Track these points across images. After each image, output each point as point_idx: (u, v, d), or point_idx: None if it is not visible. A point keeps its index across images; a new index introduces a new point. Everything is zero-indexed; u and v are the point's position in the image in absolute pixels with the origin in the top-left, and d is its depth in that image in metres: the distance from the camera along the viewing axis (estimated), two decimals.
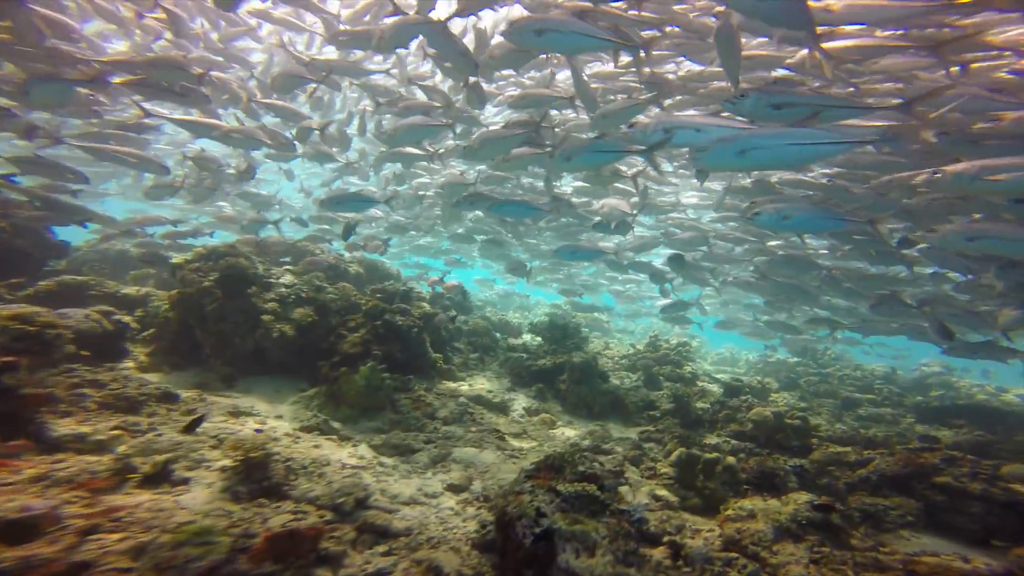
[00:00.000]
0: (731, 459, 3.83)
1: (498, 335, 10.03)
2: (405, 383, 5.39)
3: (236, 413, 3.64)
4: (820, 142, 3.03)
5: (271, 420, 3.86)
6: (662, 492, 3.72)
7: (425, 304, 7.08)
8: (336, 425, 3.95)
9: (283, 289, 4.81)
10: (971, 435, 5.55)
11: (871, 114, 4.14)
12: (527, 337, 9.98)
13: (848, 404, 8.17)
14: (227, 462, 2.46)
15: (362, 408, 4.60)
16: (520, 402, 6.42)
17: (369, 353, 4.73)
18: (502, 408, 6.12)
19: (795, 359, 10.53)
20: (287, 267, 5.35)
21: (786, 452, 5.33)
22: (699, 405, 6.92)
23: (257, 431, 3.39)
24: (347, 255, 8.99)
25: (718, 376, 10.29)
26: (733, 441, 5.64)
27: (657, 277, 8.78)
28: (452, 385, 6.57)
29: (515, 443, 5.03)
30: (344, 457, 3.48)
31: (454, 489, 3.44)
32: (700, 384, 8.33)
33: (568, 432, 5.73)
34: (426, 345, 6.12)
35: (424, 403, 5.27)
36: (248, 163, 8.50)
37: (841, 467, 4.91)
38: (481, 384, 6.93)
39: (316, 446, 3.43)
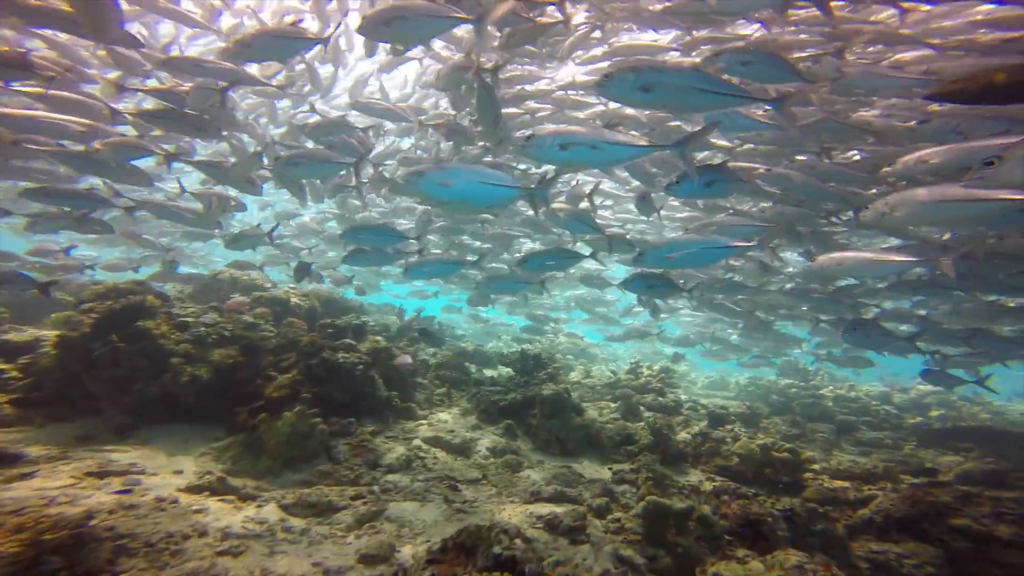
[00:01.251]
0: (706, 508, 3.25)
1: (472, 367, 9.44)
2: (345, 427, 4.79)
3: (102, 472, 3.02)
4: (497, 184, 3.27)
5: (160, 477, 3.24)
6: (627, 552, 3.12)
7: (379, 339, 6.54)
8: (238, 483, 3.33)
9: (202, 328, 4.27)
10: (982, 462, 5.01)
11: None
12: (504, 369, 9.39)
13: (844, 428, 7.61)
14: (9, 547, 1.86)
15: (287, 459, 3.99)
16: (485, 441, 5.79)
17: (298, 396, 4.16)
18: (462, 450, 5.48)
19: (785, 380, 10.02)
20: (212, 304, 4.83)
21: (776, 489, 4.75)
22: (681, 437, 6.33)
23: (123, 492, 2.78)
24: (299, 288, 8.45)
25: (706, 402, 9.71)
26: (717, 478, 5.05)
27: (648, 301, 8.26)
28: (410, 425, 5.95)
29: (469, 493, 4.39)
30: (236, 523, 2.86)
31: (369, 560, 2.82)
32: (685, 412, 7.74)
33: (534, 475, 5.10)
34: (376, 383, 5.53)
35: (367, 449, 4.65)
36: (221, 197, 7.96)
37: (839, 507, 4.33)
38: (444, 422, 6.30)
39: (198, 511, 2.82)
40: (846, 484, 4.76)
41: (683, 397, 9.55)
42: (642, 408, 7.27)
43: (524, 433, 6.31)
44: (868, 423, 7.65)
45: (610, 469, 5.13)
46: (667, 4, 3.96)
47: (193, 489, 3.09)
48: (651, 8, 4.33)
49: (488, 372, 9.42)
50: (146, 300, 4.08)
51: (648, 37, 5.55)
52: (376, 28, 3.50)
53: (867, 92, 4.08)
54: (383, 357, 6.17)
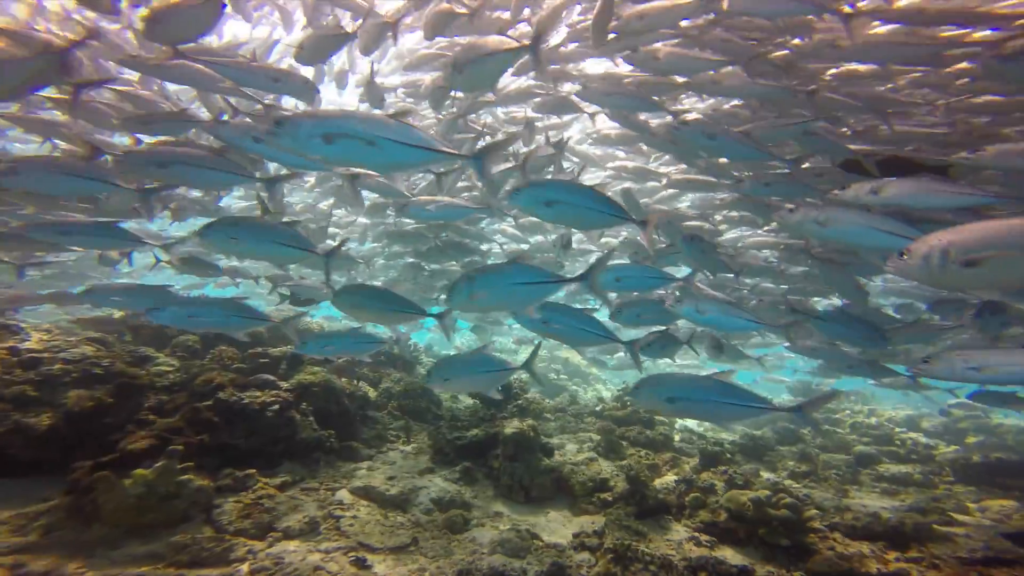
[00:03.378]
0: None
1: (445, 395, 8.60)
2: (241, 481, 4.00)
3: None
4: None
5: None
6: None
7: (317, 370, 5.75)
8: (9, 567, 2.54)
9: (58, 366, 3.57)
10: None
11: None
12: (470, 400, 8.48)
13: (863, 460, 6.55)
14: None
15: (135, 526, 3.21)
16: (432, 490, 4.91)
17: (163, 448, 3.40)
18: (400, 502, 4.63)
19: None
20: (92, 335, 4.15)
21: (775, 555, 3.79)
22: (667, 479, 5.39)
23: None
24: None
25: (706, 427, 8.67)
26: (703, 537, 4.10)
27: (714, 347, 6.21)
28: (347, 468, 5.13)
29: (381, 569, 3.53)
30: None
31: None
32: (678, 445, 6.78)
33: (482, 536, 4.22)
34: (296, 424, 4.74)
35: (262, 509, 3.84)
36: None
37: None
38: (391, 464, 5.47)
39: None
40: (864, 548, 3.77)
41: (679, 423, 8.56)
42: (625, 443, 6.33)
43: (485, 476, 5.44)
44: (892, 454, 6.57)
45: (574, 535, 4.22)
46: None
47: None
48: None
49: (467, 400, 8.57)
50: None
51: None
52: (153, 31, 3.38)
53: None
54: (316, 392, 5.39)
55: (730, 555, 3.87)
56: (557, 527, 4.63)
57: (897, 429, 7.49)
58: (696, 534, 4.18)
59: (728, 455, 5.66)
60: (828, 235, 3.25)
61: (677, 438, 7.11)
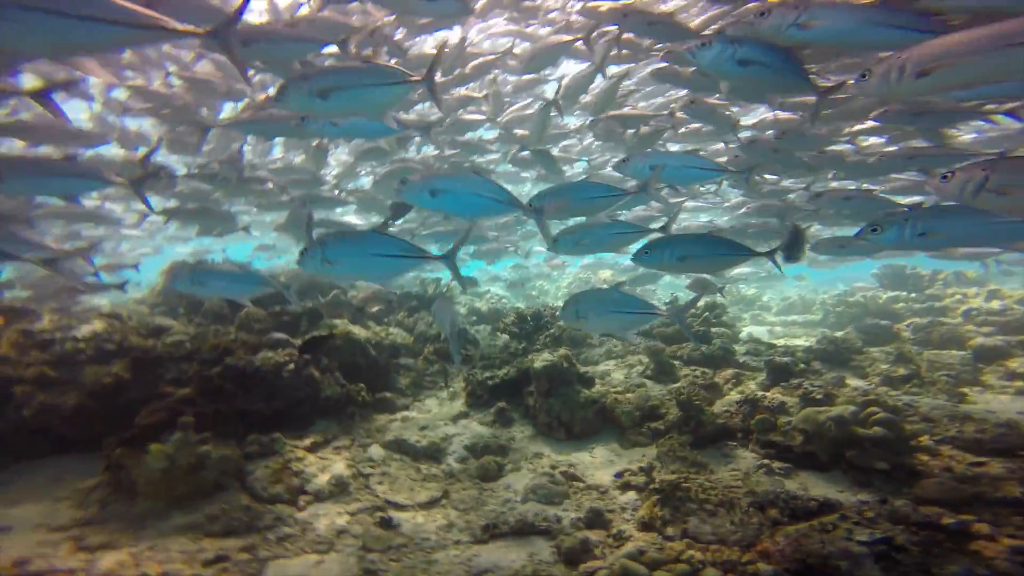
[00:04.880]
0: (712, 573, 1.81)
1: (483, 331, 8.31)
2: (267, 446, 3.90)
3: None
4: None
5: None
6: None
7: (337, 323, 5.53)
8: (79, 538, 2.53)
9: (70, 344, 3.55)
10: None
11: None
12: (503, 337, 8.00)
13: (985, 355, 5.38)
14: None
15: (172, 498, 3.20)
16: (466, 436, 4.65)
17: (175, 421, 3.30)
18: (432, 453, 4.41)
19: (887, 293, 7.55)
20: (108, 312, 4.12)
21: (868, 480, 3.09)
22: (729, 400, 4.69)
23: None
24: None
25: (779, 331, 7.69)
26: (774, 466, 3.48)
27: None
28: (382, 421, 4.99)
29: (408, 528, 3.31)
30: None
31: None
32: (742, 359, 5.98)
33: (517, 482, 3.90)
34: (316, 382, 4.56)
35: (290, 472, 3.74)
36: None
37: (987, 511, 2.60)
38: (427, 413, 5.28)
39: None
40: (996, 466, 2.94)
41: (746, 332, 7.66)
42: (678, 363, 5.65)
43: (523, 416, 5.09)
44: None
45: (616, 474, 3.77)
46: None
47: None
48: None
49: (504, 336, 8.22)
50: None
51: None
52: None
53: None
54: (338, 345, 5.18)
55: (810, 483, 3.22)
56: (603, 465, 4.21)
57: None
58: (766, 461, 3.55)
59: (802, 364, 4.81)
60: (813, 36, 2.96)
61: (741, 351, 6.30)
